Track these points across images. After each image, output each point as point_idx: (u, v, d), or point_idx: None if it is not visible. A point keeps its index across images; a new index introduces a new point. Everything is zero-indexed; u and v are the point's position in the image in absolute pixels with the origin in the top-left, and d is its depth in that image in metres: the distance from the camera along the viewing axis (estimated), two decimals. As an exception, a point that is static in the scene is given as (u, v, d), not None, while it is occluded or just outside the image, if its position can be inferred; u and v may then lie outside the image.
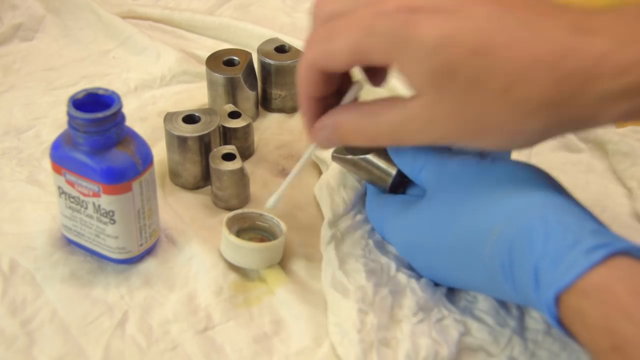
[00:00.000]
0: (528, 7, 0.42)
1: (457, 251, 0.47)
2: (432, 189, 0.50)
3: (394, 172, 0.53)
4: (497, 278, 0.44)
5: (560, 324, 0.40)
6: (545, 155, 0.64)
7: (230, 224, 0.55)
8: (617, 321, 0.37)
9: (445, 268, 0.49)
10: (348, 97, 0.49)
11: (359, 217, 0.56)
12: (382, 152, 0.54)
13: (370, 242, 0.54)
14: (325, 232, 0.55)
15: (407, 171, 0.52)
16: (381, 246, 0.54)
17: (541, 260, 0.40)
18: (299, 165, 0.52)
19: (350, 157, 0.55)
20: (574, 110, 0.41)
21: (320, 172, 0.63)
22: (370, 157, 0.54)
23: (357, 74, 0.50)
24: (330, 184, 0.58)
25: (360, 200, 0.58)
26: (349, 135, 0.48)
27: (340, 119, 0.48)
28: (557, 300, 0.40)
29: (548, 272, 0.40)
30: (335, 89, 0.49)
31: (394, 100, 0.46)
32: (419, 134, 0.45)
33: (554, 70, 0.40)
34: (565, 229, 0.41)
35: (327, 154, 0.62)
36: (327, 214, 0.56)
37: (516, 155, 0.53)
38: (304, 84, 0.48)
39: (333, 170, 0.59)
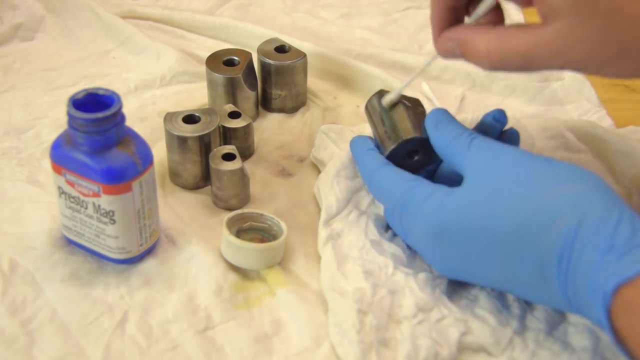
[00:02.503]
0: None
1: (504, 241, 0.46)
2: (477, 172, 0.48)
3: (415, 135, 0.53)
4: (546, 271, 0.44)
5: (608, 315, 0.41)
6: (546, 155, 0.64)
7: (230, 224, 0.55)
8: None
9: (478, 263, 0.48)
10: (478, 11, 0.50)
11: (352, 215, 0.56)
12: (415, 114, 0.54)
13: (367, 242, 0.54)
14: (321, 233, 0.55)
15: (447, 140, 0.51)
16: (378, 245, 0.54)
17: (607, 252, 0.41)
18: (420, 70, 0.54)
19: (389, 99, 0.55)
20: None
21: (319, 173, 0.63)
22: (402, 108, 0.54)
23: None
24: (325, 183, 0.58)
25: (354, 196, 0.58)
26: (474, 53, 0.49)
27: (468, 36, 0.49)
28: (614, 291, 0.40)
29: (612, 264, 0.40)
30: (465, 4, 0.51)
31: (528, 26, 0.46)
32: (553, 57, 0.46)
33: None
34: (634, 227, 0.41)
35: (326, 155, 0.62)
36: (322, 213, 0.56)
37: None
38: None
39: (328, 168, 0.59)
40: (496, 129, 0.54)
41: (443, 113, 0.53)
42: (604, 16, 0.43)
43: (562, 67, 0.46)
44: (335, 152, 0.61)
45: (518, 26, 0.47)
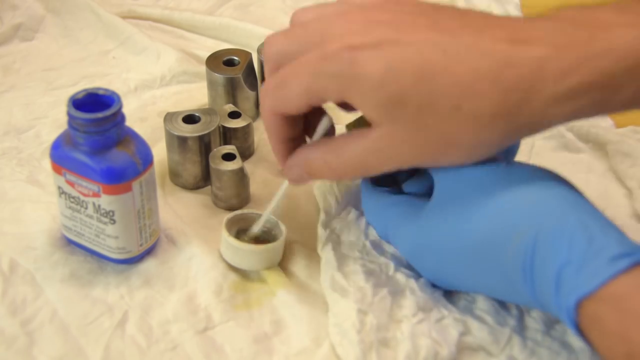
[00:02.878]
0: (464, 27, 0.43)
1: (474, 255, 0.46)
2: (445, 190, 0.48)
3: None
4: (516, 282, 0.44)
5: (578, 329, 0.40)
6: (545, 155, 0.64)
7: (230, 224, 0.55)
8: (634, 329, 0.38)
9: (458, 273, 0.48)
10: (317, 134, 0.50)
11: (352, 215, 0.56)
12: None
13: (367, 242, 0.54)
14: (320, 233, 0.55)
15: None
16: (378, 246, 0.54)
17: (565, 265, 0.40)
18: (276, 201, 0.54)
19: None
20: (525, 116, 0.42)
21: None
22: None
23: (327, 107, 0.50)
24: (325, 183, 0.58)
25: (353, 196, 0.58)
26: (317, 171, 0.49)
27: (307, 157, 0.49)
28: (577, 306, 0.40)
29: (571, 278, 0.40)
30: (302, 128, 0.51)
31: (355, 134, 0.47)
32: (383, 162, 0.46)
33: (497, 82, 0.41)
34: (590, 236, 0.40)
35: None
36: (321, 214, 0.56)
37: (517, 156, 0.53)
38: (271, 129, 0.50)
39: None
40: None
41: None
42: (417, 117, 0.43)
43: (400, 168, 0.46)
44: (335, 152, 0.61)
45: (350, 135, 0.47)
